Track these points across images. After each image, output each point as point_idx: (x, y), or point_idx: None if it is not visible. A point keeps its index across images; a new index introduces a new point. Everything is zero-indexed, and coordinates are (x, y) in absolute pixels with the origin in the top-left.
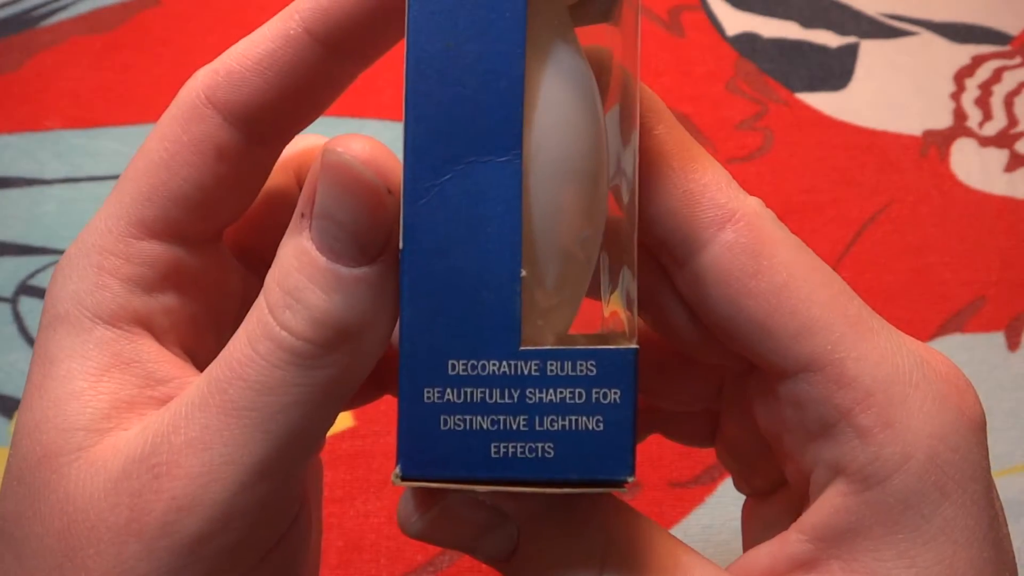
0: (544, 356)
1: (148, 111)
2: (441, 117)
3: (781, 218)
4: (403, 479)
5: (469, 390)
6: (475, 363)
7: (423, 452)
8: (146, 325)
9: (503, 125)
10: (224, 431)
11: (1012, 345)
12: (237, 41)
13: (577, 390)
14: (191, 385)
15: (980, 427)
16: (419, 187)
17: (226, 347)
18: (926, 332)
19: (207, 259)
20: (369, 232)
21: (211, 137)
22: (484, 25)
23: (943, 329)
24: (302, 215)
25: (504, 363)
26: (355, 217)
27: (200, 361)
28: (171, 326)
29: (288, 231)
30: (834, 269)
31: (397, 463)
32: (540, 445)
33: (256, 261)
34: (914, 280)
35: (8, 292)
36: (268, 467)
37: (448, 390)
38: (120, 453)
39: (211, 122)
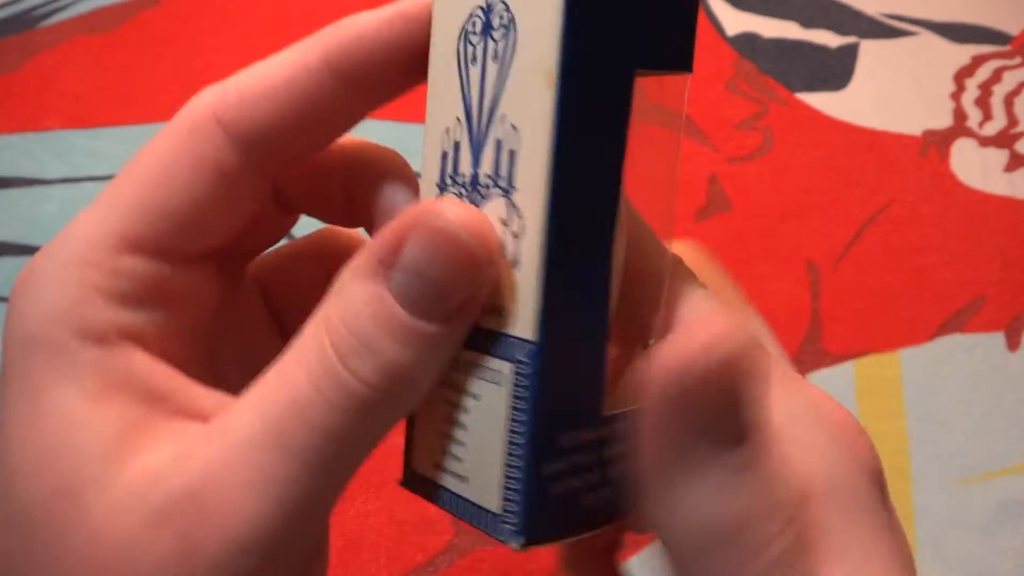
0: (614, 419)
1: (148, 111)
2: (576, 202)
3: (781, 218)
4: (525, 546)
5: (570, 458)
6: (575, 434)
7: (540, 520)
8: (134, 339)
9: (605, 221)
10: (281, 471)
11: (1012, 345)
12: (232, 39)
13: (625, 445)
14: (234, 416)
15: (872, 469)
16: (556, 277)
17: (273, 381)
18: (926, 332)
19: (192, 274)
20: (461, 296)
21: (214, 156)
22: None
23: (943, 329)
24: (380, 261)
25: (593, 430)
26: (453, 283)
27: (187, 372)
28: (157, 338)
29: (356, 270)
30: (834, 269)
31: (515, 534)
32: (608, 491)
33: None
34: (914, 280)
35: (8, 292)
36: (321, 506)
37: (557, 462)
38: (159, 487)
39: (216, 141)
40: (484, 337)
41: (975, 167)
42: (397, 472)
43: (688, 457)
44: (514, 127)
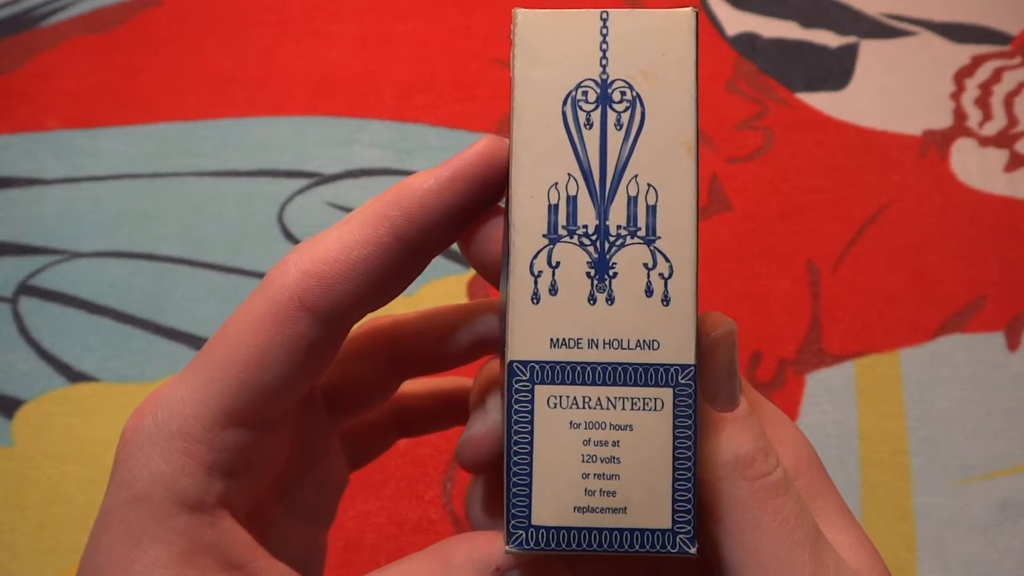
0: None
1: (148, 111)
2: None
3: (781, 218)
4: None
5: None
6: None
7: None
8: (224, 504)
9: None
10: None
11: (1012, 345)
12: (232, 39)
13: None
14: None
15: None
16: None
17: None
18: (926, 332)
19: (277, 433)
20: None
21: (303, 338)
22: None
23: (943, 329)
24: (497, 569)
25: None
26: None
27: (263, 522)
28: (244, 500)
29: (470, 565)
30: (834, 269)
31: (692, 541)
32: None
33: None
34: (914, 280)
35: (8, 292)
36: None
37: None
38: None
39: (303, 324)
40: (629, 371)
41: (975, 167)
42: (397, 472)
43: (707, 418)
44: (651, 186)
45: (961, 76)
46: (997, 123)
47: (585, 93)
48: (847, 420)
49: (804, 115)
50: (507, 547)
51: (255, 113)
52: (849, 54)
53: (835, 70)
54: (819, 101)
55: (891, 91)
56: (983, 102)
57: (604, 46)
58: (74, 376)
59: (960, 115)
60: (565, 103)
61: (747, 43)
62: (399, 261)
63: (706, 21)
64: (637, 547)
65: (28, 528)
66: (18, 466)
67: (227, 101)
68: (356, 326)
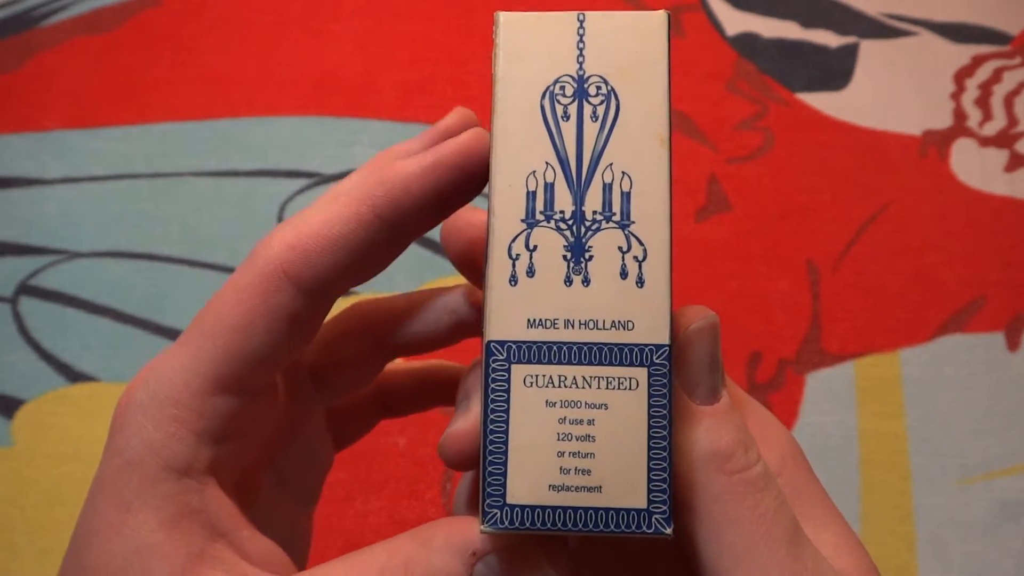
0: None
1: (148, 111)
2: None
3: (781, 218)
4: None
5: None
6: None
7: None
8: (213, 472)
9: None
10: None
11: (1012, 345)
12: (232, 39)
13: None
14: None
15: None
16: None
17: None
18: (926, 332)
19: (264, 402)
20: None
21: (286, 307)
22: None
23: (943, 329)
24: (474, 553)
25: None
26: None
27: (250, 495)
28: (232, 469)
29: (448, 546)
30: (834, 269)
31: (667, 521)
32: None
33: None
34: (914, 280)
35: (8, 292)
36: None
37: None
38: None
39: (287, 293)
40: (604, 351)
41: (975, 167)
42: (397, 472)
43: (687, 410)
44: (625, 174)
45: (961, 76)
46: (997, 123)
47: (563, 88)
48: (847, 420)
49: (804, 115)
50: (482, 526)
51: (255, 113)
52: (849, 54)
53: (835, 70)
54: (819, 101)
55: (891, 91)
56: (983, 102)
57: (581, 45)
58: (74, 376)
59: (960, 115)
60: (544, 97)
61: (747, 43)
62: (380, 239)
63: (706, 21)
64: (612, 527)
65: (28, 528)
66: (18, 466)
67: (227, 101)
68: (340, 307)
